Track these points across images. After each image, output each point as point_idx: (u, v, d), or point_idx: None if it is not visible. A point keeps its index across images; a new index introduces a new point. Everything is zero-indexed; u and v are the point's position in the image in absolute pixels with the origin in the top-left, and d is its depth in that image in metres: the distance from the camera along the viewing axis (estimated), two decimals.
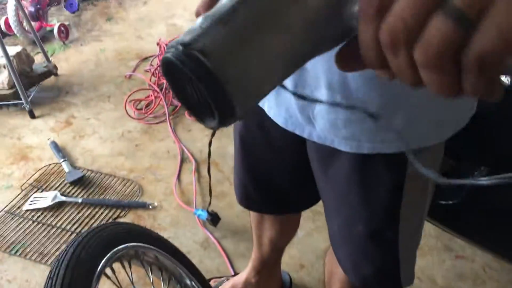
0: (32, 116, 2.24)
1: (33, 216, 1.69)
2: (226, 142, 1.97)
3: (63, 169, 1.89)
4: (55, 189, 1.80)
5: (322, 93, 0.68)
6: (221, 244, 1.58)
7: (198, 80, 0.29)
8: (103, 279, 0.81)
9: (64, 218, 1.69)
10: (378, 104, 0.67)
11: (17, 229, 1.65)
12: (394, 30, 0.26)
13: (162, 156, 1.99)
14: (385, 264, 0.88)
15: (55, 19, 3.12)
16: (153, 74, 2.49)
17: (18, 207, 1.73)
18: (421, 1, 0.25)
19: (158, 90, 2.35)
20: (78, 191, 1.81)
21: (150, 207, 1.72)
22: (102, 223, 1.39)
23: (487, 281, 1.47)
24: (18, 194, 1.79)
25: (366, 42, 0.28)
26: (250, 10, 0.29)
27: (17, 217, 1.69)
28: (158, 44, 2.73)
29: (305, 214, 1.44)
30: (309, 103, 0.72)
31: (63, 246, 1.32)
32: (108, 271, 0.84)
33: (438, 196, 1.17)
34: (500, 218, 1.22)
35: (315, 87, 0.68)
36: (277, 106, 0.78)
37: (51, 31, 2.88)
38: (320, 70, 0.66)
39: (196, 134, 2.10)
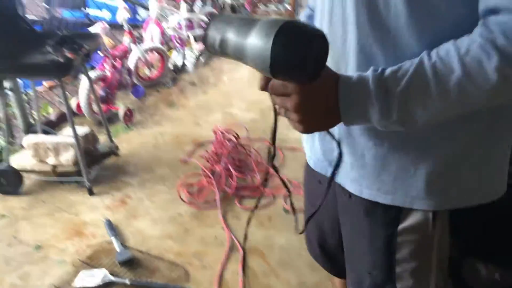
0: (91, 193, 2.35)
1: None
2: (274, 233, 1.97)
3: (114, 247, 1.94)
4: (105, 267, 1.84)
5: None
6: None
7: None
8: None
9: None
10: (373, 154, 0.77)
11: None
12: (273, 93, 0.68)
13: (210, 242, 2.01)
14: None
15: (121, 103, 3.34)
16: (207, 160, 2.58)
17: (69, 283, 1.77)
18: (274, 92, 0.67)
19: (211, 176, 2.42)
20: (126, 271, 1.83)
21: None
22: None
23: None
24: (70, 270, 1.84)
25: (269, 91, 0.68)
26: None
27: None
28: (214, 131, 2.85)
29: None
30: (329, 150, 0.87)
31: None
32: None
33: None
34: None
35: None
36: (311, 153, 0.96)
37: (117, 113, 3.09)
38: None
39: (245, 223, 2.12)
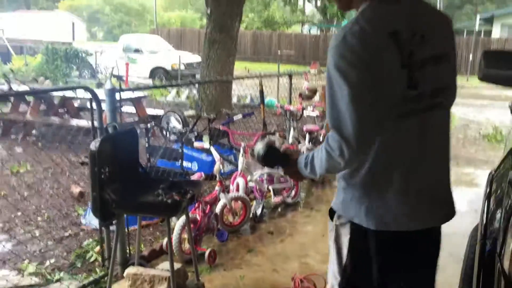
0: None
1: None
2: None
3: None
4: None
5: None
6: None
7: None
8: None
9: None
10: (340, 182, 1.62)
11: None
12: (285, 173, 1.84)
13: None
14: None
15: (206, 245, 3.62)
16: None
17: None
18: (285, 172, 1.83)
19: None
20: None
21: None
22: None
23: None
24: None
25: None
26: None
27: None
28: (292, 279, 3.01)
29: None
30: None
31: None
32: None
33: None
34: None
35: None
36: None
37: (202, 254, 3.35)
38: None
39: None
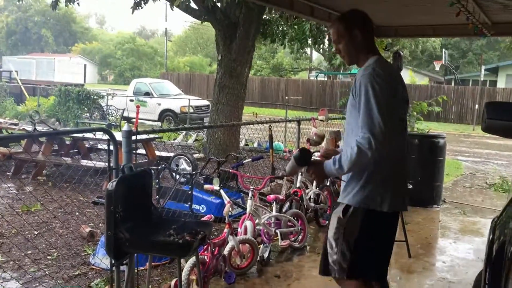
0: None
1: None
2: None
3: None
4: None
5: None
6: None
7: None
8: None
9: None
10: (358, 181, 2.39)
11: None
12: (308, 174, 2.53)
13: None
14: None
15: (213, 287, 3.64)
16: None
17: None
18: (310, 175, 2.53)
19: None
20: None
21: None
22: None
23: None
24: None
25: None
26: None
27: None
28: None
29: None
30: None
31: None
32: None
33: None
34: None
35: None
36: None
37: None
38: None
39: None
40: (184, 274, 3.29)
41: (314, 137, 5.47)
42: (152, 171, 5.40)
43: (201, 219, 3.56)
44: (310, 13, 5.56)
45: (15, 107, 16.36)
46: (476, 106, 22.26)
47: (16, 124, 9.00)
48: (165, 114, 16.22)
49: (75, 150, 8.20)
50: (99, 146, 8.41)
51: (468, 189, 8.33)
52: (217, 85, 9.53)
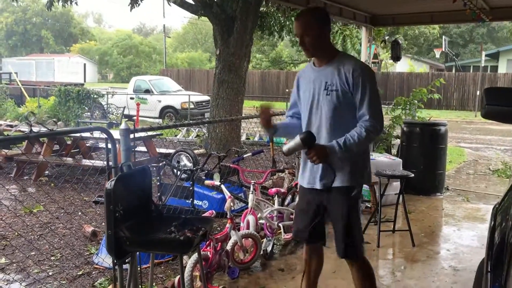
0: None
1: None
2: None
3: None
4: None
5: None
6: None
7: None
8: None
9: None
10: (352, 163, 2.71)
11: None
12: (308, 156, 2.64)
13: None
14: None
15: (217, 283, 3.64)
16: None
17: None
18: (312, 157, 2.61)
19: None
20: None
21: None
22: None
23: None
24: None
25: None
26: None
27: None
28: None
29: None
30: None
31: None
32: None
33: None
34: None
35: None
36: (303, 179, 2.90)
37: None
38: None
39: None
40: (187, 270, 3.28)
41: None
42: (153, 168, 5.40)
43: (202, 215, 3.54)
44: (305, 4, 5.52)
45: (16, 108, 16.38)
46: (478, 92, 22.18)
47: (12, 126, 8.99)
48: (166, 111, 16.21)
49: (76, 150, 8.20)
50: (100, 145, 8.40)
51: (471, 176, 8.30)
52: (216, 80, 9.50)
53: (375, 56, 8.51)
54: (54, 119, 10.19)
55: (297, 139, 2.61)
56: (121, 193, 2.63)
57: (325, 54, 2.74)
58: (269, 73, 30.06)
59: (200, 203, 5.31)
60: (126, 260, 2.96)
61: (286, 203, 4.86)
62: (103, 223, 4.90)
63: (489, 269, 1.67)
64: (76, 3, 10.12)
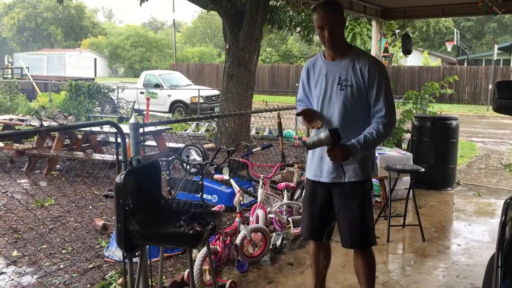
0: None
1: None
2: None
3: None
4: None
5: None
6: None
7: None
8: None
9: None
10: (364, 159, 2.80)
11: None
12: (329, 154, 2.64)
13: None
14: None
15: (226, 276, 3.65)
16: None
17: None
18: (329, 152, 2.64)
19: None
20: None
21: None
22: None
23: None
24: None
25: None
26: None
27: None
28: None
29: None
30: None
31: None
32: None
33: None
34: None
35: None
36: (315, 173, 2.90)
37: (223, 285, 3.38)
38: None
39: None
40: (196, 264, 3.30)
41: None
42: (163, 163, 5.42)
43: (211, 209, 3.55)
44: None
45: (28, 103, 16.52)
46: (490, 86, 21.91)
47: (23, 120, 9.07)
48: (175, 105, 16.24)
49: (87, 144, 8.26)
50: (111, 139, 8.45)
51: (482, 170, 8.23)
52: (226, 74, 9.49)
53: (386, 49, 8.45)
54: (65, 114, 10.29)
55: (326, 134, 2.54)
56: (131, 187, 2.64)
57: (341, 48, 2.75)
58: (279, 67, 29.98)
59: (209, 197, 5.32)
60: (136, 254, 2.98)
61: (295, 197, 4.86)
62: (114, 217, 4.94)
63: (499, 264, 1.65)
64: None
